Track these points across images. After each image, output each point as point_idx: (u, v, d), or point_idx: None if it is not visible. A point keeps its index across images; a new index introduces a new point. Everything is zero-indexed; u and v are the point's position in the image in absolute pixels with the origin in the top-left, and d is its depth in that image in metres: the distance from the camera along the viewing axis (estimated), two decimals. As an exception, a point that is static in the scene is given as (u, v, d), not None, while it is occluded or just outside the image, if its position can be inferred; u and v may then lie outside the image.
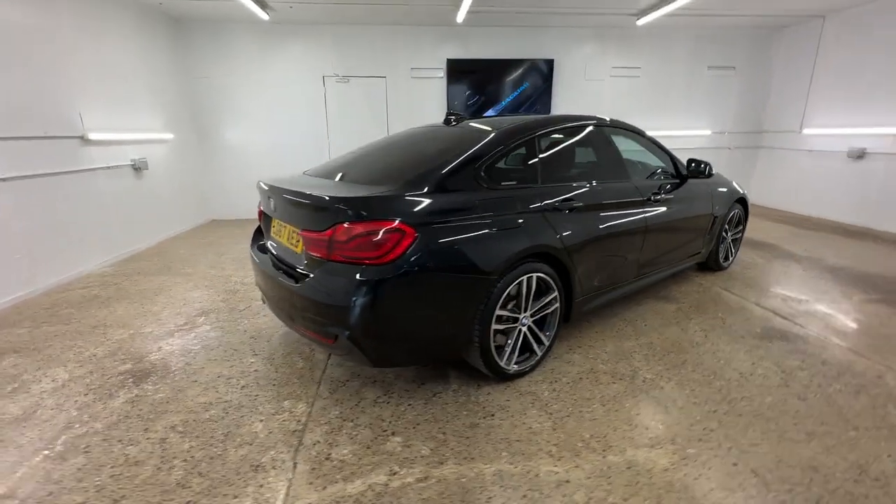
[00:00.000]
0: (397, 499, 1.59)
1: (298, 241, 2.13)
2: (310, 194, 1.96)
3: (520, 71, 6.76)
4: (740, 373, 2.38)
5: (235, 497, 1.61)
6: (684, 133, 7.35)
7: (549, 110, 6.97)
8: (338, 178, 2.38)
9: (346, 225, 1.82)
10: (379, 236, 1.80)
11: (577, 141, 2.77)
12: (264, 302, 2.80)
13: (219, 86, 6.41)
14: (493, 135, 2.32)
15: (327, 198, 1.90)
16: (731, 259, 4.14)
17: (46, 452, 1.84)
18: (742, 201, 4.01)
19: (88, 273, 4.22)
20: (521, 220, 2.17)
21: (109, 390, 2.29)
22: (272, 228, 2.48)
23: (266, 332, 2.93)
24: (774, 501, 1.56)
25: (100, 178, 4.51)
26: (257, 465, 1.76)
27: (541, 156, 2.45)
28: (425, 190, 1.98)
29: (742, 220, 4.13)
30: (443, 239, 1.91)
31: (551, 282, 2.31)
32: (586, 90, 7.02)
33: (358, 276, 1.81)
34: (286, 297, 2.09)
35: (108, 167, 4.63)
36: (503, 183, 2.24)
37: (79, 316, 3.22)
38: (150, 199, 5.34)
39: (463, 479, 1.67)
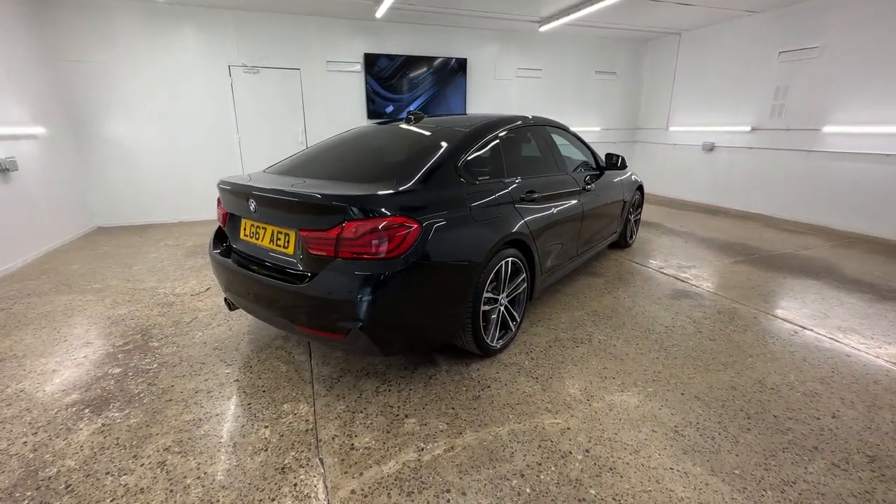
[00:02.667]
0: (433, 469, 1.74)
1: (289, 241, 2.10)
2: (314, 194, 1.95)
3: (436, 68, 7.01)
4: (666, 326, 2.95)
5: (273, 500, 1.60)
6: (580, 129, 8.26)
7: (464, 107, 7.35)
8: (320, 177, 2.37)
9: (355, 223, 1.87)
10: (388, 232, 1.89)
11: (529, 137, 3.10)
12: (232, 309, 2.67)
13: (98, 73, 5.53)
14: (466, 132, 2.53)
15: (335, 197, 1.92)
16: (634, 237, 4.93)
17: (17, 502, 1.60)
18: (640, 188, 4.79)
19: (-44, 300, 3.44)
20: (500, 211, 2.42)
21: (65, 424, 2.01)
22: (243, 230, 2.37)
23: (230, 342, 2.77)
24: (715, 414, 2.05)
25: (-44, 183, 3.67)
26: (282, 467, 1.76)
27: (504, 151, 2.73)
28: (420, 186, 2.11)
29: (640, 205, 4.93)
30: (441, 231, 2.06)
31: (521, 264, 2.60)
32: (497, 89, 7.54)
33: (368, 271, 1.88)
34: (283, 300, 2.06)
35: (-33, 169, 3.79)
36: (479, 178, 2.45)
37: (-29, 350, 2.67)
38: (21, 206, 4.47)
39: (485, 443, 1.88)
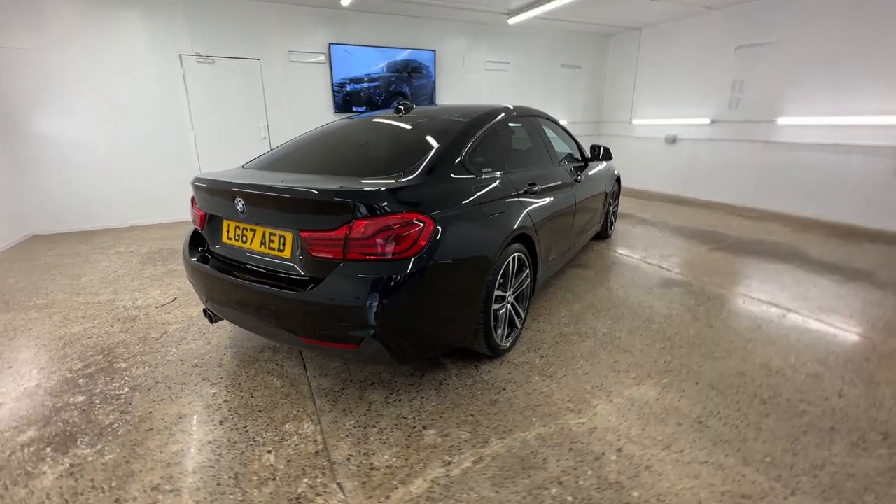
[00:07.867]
0: (465, 484, 1.61)
1: (285, 244, 1.89)
2: (317, 190, 1.75)
3: (405, 60, 6.80)
4: (664, 316, 2.97)
5: (292, 537, 1.42)
6: (547, 123, 8.38)
7: (434, 100, 7.19)
8: (311, 171, 2.17)
9: (364, 220, 1.70)
10: (401, 230, 1.73)
11: (524, 129, 3.01)
12: (214, 321, 2.41)
13: (28, 61, 4.90)
14: (466, 122, 2.39)
15: (342, 192, 1.73)
16: (613, 228, 4.99)
17: (-29, 571, 1.32)
18: (618, 180, 4.85)
19: None
20: (507, 204, 2.31)
21: (23, 468, 1.70)
22: (226, 233, 2.12)
23: (211, 357, 2.49)
24: (732, 402, 2.06)
25: None
26: (296, 497, 1.57)
27: (504, 142, 2.62)
28: (427, 179, 1.96)
29: (617, 195, 5.00)
30: (454, 226, 1.93)
31: (525, 259, 2.51)
32: (466, 81, 7.43)
33: (380, 273, 1.72)
34: (282, 309, 1.84)
35: None
36: (483, 170, 2.33)
37: None
38: (-60, 213, 3.87)
39: (513, 450, 1.77)
